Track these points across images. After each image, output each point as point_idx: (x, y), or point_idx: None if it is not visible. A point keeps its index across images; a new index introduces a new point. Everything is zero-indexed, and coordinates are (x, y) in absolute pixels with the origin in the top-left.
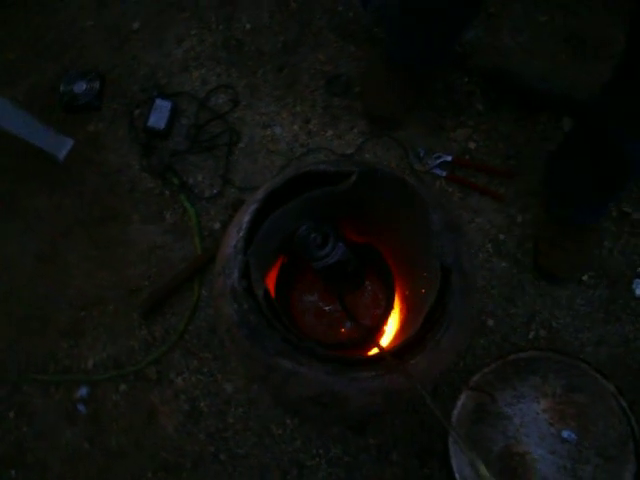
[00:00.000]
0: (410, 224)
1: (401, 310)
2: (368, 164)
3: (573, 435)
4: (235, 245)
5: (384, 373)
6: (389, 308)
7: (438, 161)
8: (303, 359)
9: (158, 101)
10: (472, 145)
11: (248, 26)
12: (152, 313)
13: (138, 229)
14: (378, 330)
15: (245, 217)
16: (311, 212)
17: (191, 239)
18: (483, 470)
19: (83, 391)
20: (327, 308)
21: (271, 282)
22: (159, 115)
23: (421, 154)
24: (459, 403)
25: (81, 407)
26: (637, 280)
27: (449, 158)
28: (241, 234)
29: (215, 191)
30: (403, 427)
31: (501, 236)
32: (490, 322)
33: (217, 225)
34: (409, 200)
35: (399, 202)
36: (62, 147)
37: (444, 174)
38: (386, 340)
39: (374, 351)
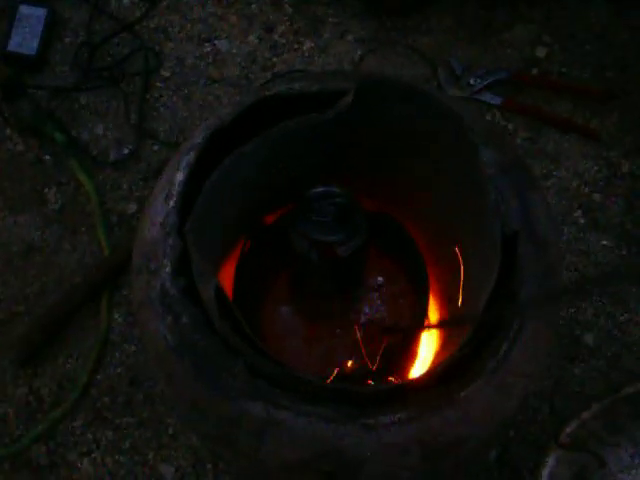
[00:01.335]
0: (448, 171)
1: (441, 317)
2: (369, 75)
3: None
4: (163, 222)
5: (422, 413)
6: (421, 315)
7: (487, 81)
8: (286, 400)
9: (23, 9)
10: (542, 51)
11: None
12: (33, 358)
13: (2, 222)
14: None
15: (177, 175)
16: (285, 160)
17: (91, 231)
18: None
19: None
20: (323, 326)
21: (227, 280)
22: (26, 32)
23: (458, 70)
24: (546, 471)
25: None
26: None
27: (505, 75)
28: (172, 204)
29: (126, 151)
30: None
31: (596, 196)
32: (588, 338)
33: (133, 207)
34: (441, 129)
35: (425, 134)
36: None
37: (498, 101)
38: (419, 367)
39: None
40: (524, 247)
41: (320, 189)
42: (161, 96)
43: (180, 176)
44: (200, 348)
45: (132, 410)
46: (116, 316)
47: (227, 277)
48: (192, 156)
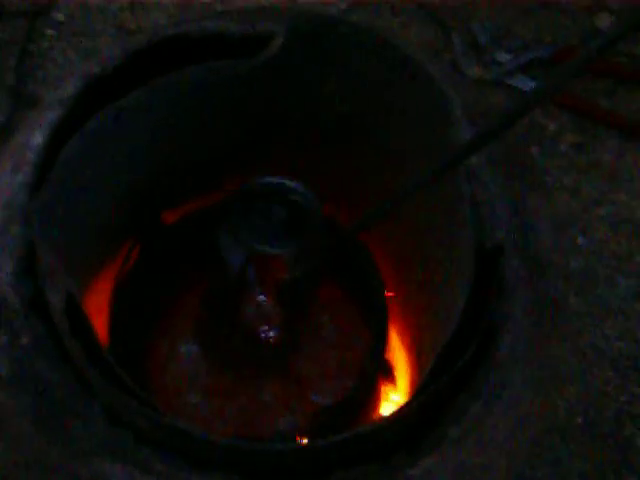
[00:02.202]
0: (414, 156)
1: (408, 360)
2: (307, 14)
3: None
4: (8, 203)
5: None
6: (376, 357)
7: (522, 59)
8: (159, 463)
9: None
10: (605, 20)
11: None
12: None
13: None
14: (350, 405)
15: (33, 138)
16: (188, 129)
17: None
18: None
19: None
20: (240, 375)
21: (101, 297)
22: None
23: (482, 40)
24: None
25: None
26: None
27: (548, 52)
28: (22, 178)
29: None
30: None
31: None
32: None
33: None
34: (407, 93)
35: (384, 101)
36: None
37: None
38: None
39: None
40: (511, 267)
41: (267, 180)
42: (51, 48)
43: (37, 139)
44: (44, 381)
45: None
46: None
47: (101, 293)
48: (57, 113)
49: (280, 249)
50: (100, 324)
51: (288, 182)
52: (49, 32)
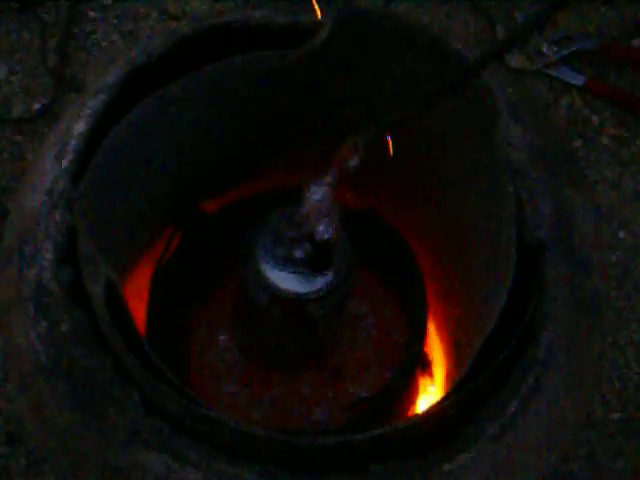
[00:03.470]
0: (457, 152)
1: (447, 355)
2: (352, 7)
3: None
4: (50, 190)
5: None
6: (415, 350)
7: (567, 50)
8: (194, 452)
9: None
10: None
11: None
12: None
13: None
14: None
15: (76, 126)
16: (233, 116)
17: None
18: None
19: None
20: (276, 368)
21: (141, 283)
22: None
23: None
24: None
25: None
26: None
27: (594, 44)
28: (65, 164)
29: (38, 105)
30: None
31: None
32: None
33: None
34: (449, 86)
35: (428, 95)
36: None
37: (581, 80)
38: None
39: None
40: (552, 263)
41: (290, 210)
42: (94, 31)
43: (80, 127)
44: (81, 369)
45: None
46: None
47: (140, 280)
48: (100, 100)
49: (302, 289)
50: (139, 312)
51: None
52: (93, 15)
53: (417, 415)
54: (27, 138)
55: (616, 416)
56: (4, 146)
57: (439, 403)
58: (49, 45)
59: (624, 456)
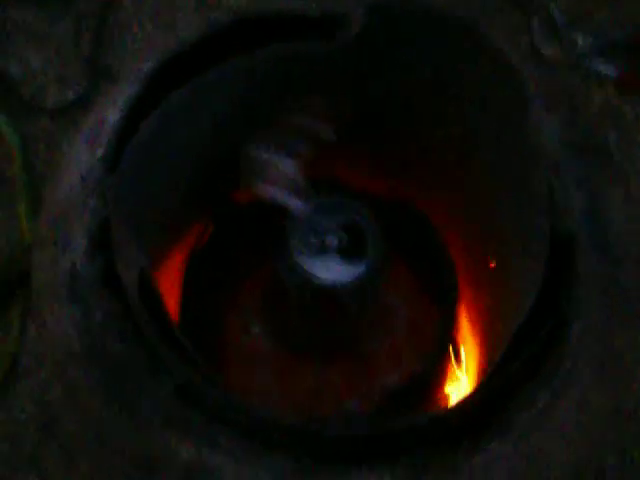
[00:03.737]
0: (489, 141)
1: (478, 345)
2: None
3: None
4: (84, 177)
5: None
6: (446, 340)
7: (599, 43)
8: (226, 440)
9: None
10: None
11: None
12: None
13: None
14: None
15: (111, 114)
16: (266, 104)
17: (8, 205)
18: None
19: None
20: (308, 359)
21: (173, 275)
22: None
23: (559, 21)
24: None
25: None
26: None
27: (624, 36)
28: (100, 153)
29: (72, 95)
30: None
31: None
32: None
33: None
34: (483, 78)
35: (460, 85)
36: None
37: (613, 72)
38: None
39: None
40: (585, 258)
41: (323, 200)
42: (130, 20)
43: (115, 116)
44: (115, 357)
45: (39, 467)
46: (31, 329)
47: (173, 269)
48: (135, 89)
49: (335, 277)
50: (172, 301)
51: (345, 201)
52: (128, 4)
53: (449, 406)
54: (61, 127)
55: None
56: (39, 135)
57: (471, 394)
58: (84, 35)
59: None
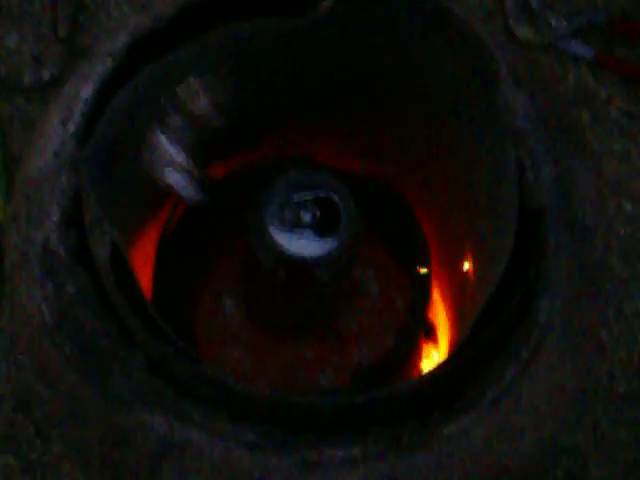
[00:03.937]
0: (460, 118)
1: (449, 320)
2: None
3: None
4: (57, 152)
5: (384, 451)
6: (418, 316)
7: (573, 24)
8: (198, 414)
9: None
10: None
11: None
12: None
13: None
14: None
15: (83, 90)
16: (238, 83)
17: None
18: None
19: None
20: (282, 335)
21: (147, 248)
22: None
23: (535, 4)
24: None
25: None
26: None
27: (599, 18)
28: (72, 128)
29: (48, 75)
30: None
31: None
32: None
33: None
34: (454, 53)
35: (433, 61)
36: None
37: (589, 54)
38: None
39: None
40: (553, 231)
41: (297, 175)
42: (106, 1)
43: (88, 91)
44: (87, 331)
45: (15, 448)
46: (6, 308)
47: (146, 245)
48: (108, 65)
49: (309, 251)
50: (145, 276)
51: (318, 175)
52: None
53: (417, 378)
54: (37, 107)
55: (621, 387)
56: (14, 115)
57: (439, 366)
58: (60, 14)
59: (628, 427)
